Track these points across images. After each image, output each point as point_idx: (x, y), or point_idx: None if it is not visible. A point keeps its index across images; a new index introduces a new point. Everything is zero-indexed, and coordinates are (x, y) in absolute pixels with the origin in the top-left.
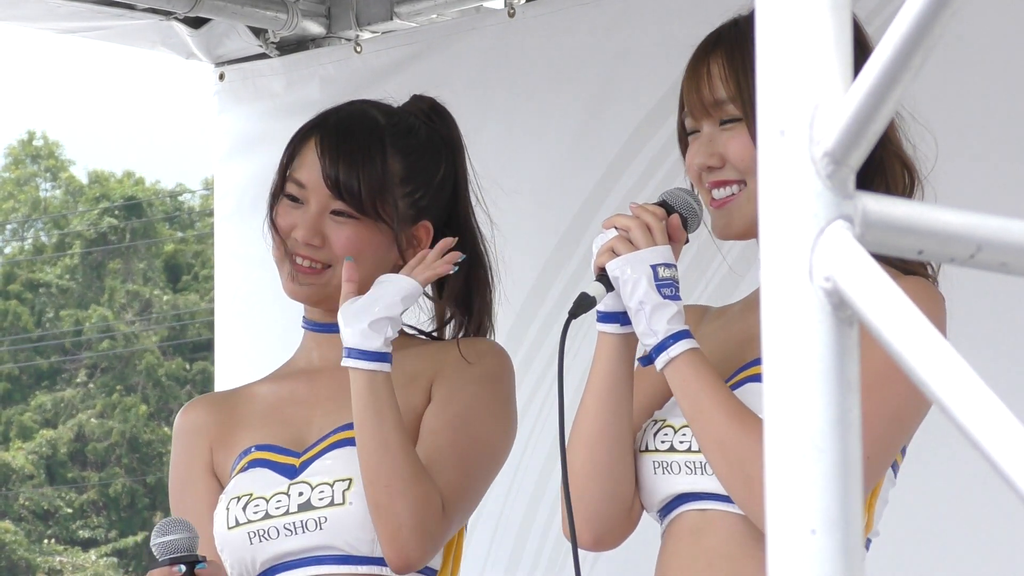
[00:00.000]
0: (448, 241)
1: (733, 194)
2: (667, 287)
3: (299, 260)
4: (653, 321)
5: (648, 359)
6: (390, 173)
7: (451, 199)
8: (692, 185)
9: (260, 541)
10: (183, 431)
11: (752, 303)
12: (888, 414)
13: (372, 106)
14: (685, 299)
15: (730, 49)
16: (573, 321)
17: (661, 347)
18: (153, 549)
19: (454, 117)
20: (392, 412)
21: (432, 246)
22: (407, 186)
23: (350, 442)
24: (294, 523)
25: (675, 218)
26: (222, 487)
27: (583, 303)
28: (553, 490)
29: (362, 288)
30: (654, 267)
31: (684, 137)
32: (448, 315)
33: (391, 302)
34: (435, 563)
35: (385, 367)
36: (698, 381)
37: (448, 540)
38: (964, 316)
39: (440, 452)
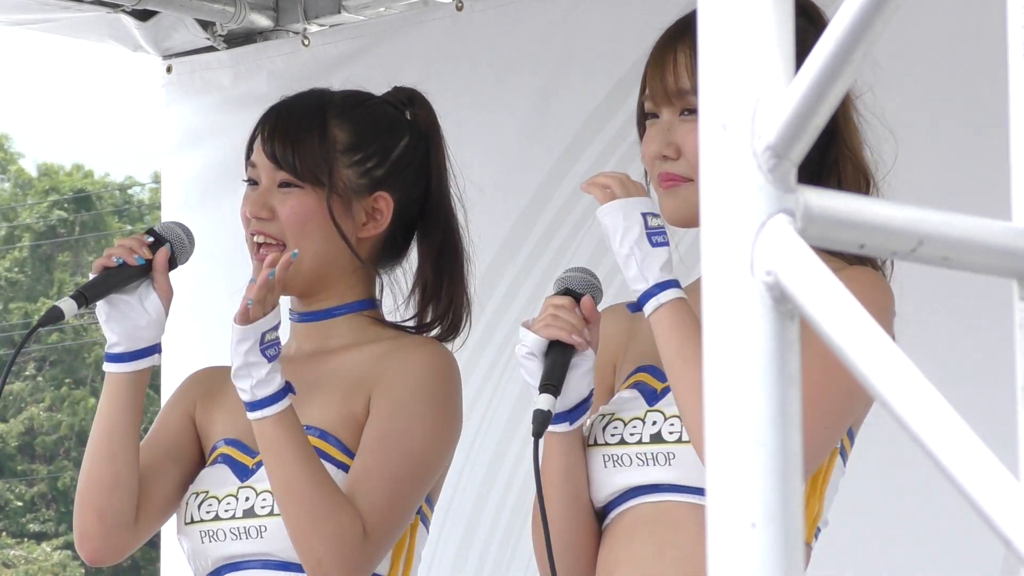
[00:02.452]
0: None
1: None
2: (657, 234)
3: (256, 239)
4: (645, 268)
5: (637, 306)
6: (330, 140)
7: (418, 178)
8: (645, 174)
9: (210, 541)
10: (182, 386)
11: (688, 294)
12: (842, 389)
13: (322, 90)
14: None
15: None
16: (518, 321)
17: (650, 294)
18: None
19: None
20: (293, 450)
21: (395, 218)
22: (354, 154)
23: None
24: (238, 528)
25: (587, 300)
26: (200, 444)
27: (543, 419)
28: (500, 486)
29: (313, 262)
30: (644, 215)
31: (643, 120)
32: (426, 305)
33: (243, 352)
34: (382, 568)
35: (275, 409)
36: (684, 328)
37: (379, 557)
38: (906, 309)
39: (368, 473)
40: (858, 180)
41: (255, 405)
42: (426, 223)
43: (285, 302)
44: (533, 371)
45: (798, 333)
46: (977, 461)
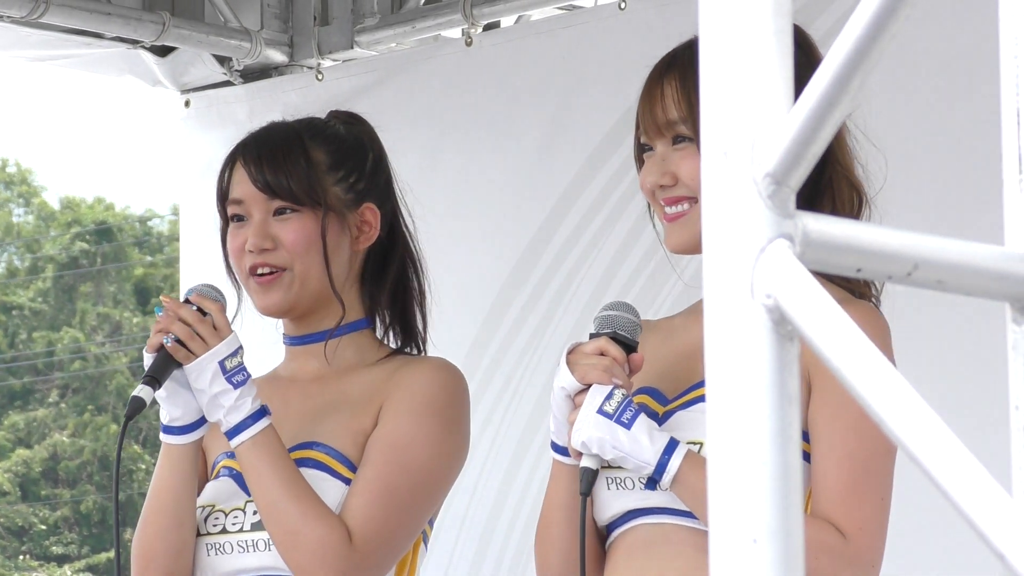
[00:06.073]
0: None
1: (686, 210)
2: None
3: (258, 271)
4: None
5: None
6: (314, 162)
7: (387, 189)
8: (648, 203)
9: (216, 554)
10: None
11: (695, 313)
12: (879, 450)
13: (285, 121)
14: (643, 313)
15: (684, 70)
16: (528, 346)
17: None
18: None
19: (377, 134)
20: (271, 469)
21: (383, 228)
22: (337, 172)
23: (302, 463)
24: (246, 541)
25: (638, 359)
26: (206, 463)
27: (592, 478)
28: (513, 501)
29: (319, 282)
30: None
31: (640, 155)
32: (386, 320)
33: (204, 386)
34: None
35: (250, 432)
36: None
37: (372, 566)
38: (901, 331)
39: (366, 483)
40: (852, 198)
41: (231, 432)
42: (391, 236)
43: (272, 326)
44: (562, 409)
45: (797, 354)
46: (971, 478)
